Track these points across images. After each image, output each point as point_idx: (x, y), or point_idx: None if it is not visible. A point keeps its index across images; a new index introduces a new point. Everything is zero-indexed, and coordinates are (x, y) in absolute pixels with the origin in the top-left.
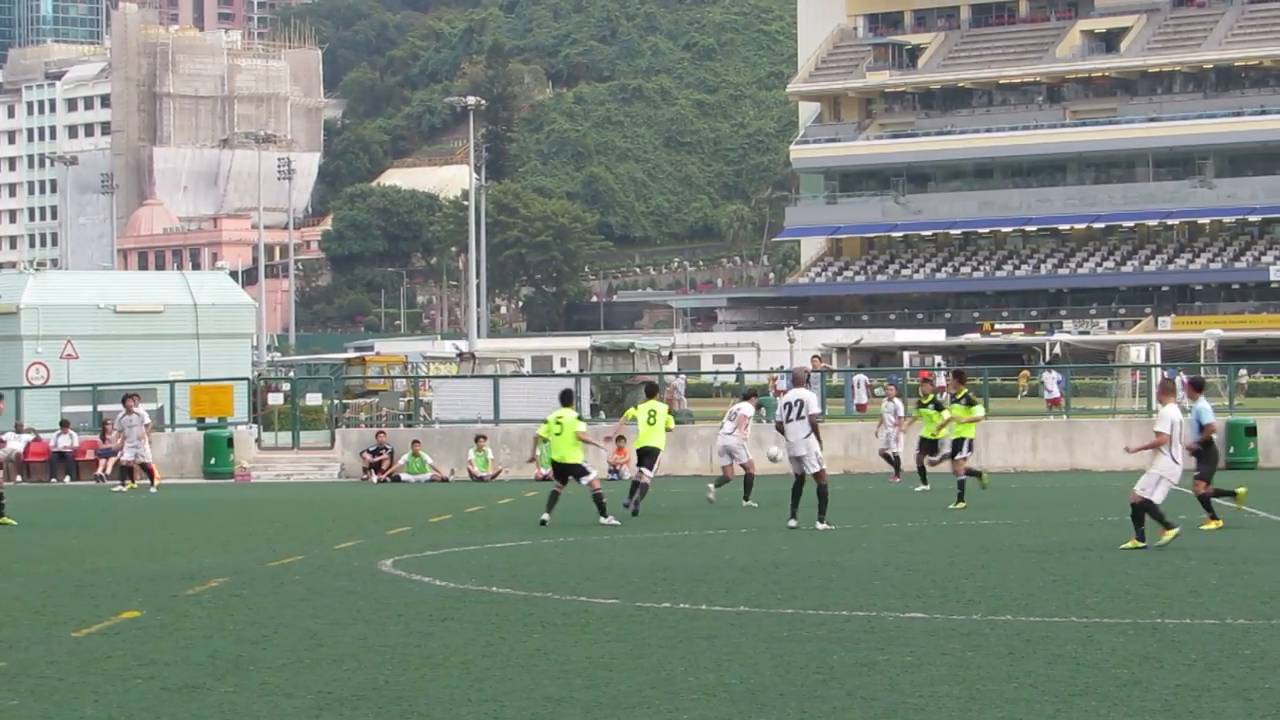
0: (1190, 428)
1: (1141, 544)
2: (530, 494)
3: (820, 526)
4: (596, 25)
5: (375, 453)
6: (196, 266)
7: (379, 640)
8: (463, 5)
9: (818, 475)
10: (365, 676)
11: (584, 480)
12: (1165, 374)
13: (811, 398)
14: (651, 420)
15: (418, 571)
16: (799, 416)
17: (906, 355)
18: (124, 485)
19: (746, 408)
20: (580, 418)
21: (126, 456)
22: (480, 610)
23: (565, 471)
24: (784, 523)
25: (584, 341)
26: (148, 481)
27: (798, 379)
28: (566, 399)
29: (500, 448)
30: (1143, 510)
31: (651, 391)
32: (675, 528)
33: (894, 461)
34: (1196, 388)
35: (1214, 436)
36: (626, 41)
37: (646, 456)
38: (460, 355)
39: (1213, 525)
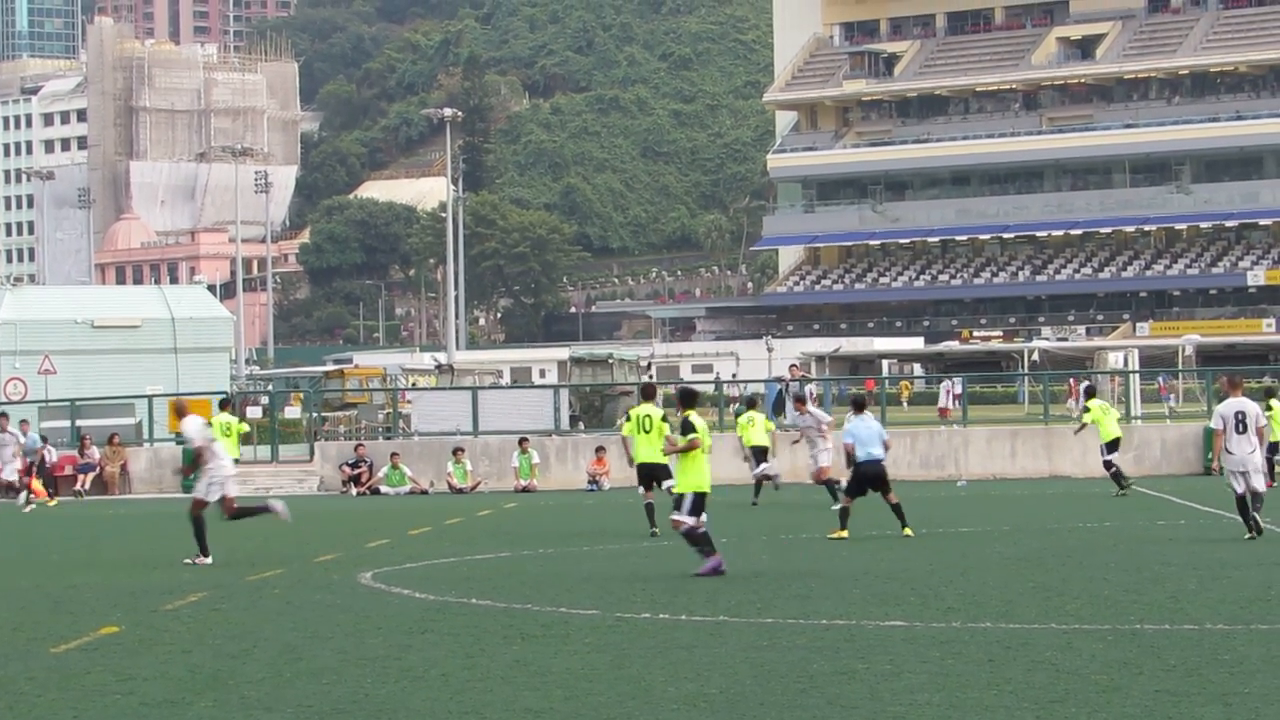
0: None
1: (1251, 534)
2: (509, 505)
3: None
4: (572, 36)
5: (354, 465)
6: (174, 281)
7: (359, 653)
8: (439, 17)
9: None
10: (345, 690)
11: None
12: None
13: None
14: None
15: (397, 584)
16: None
17: (885, 364)
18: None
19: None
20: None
21: (5, 476)
22: (460, 622)
23: None
24: (766, 533)
25: (563, 353)
26: (22, 500)
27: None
28: None
29: (479, 460)
30: (1243, 503)
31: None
32: (654, 538)
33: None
34: (857, 406)
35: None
36: (603, 52)
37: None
38: (439, 367)
39: (839, 534)
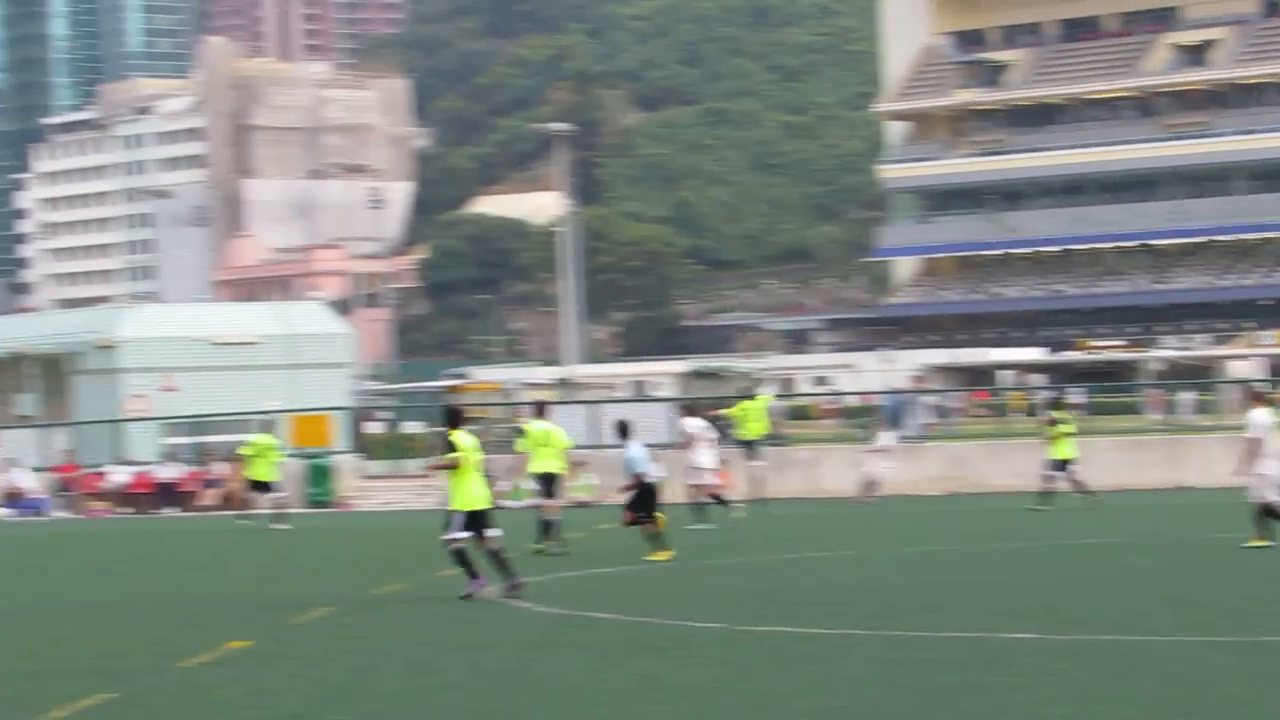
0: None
1: (1267, 543)
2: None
3: None
4: (680, 48)
5: None
6: (291, 298)
7: (485, 667)
8: (547, 32)
9: None
10: (472, 704)
11: None
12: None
13: None
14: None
15: (521, 598)
16: None
17: (1006, 374)
18: None
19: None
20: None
21: None
22: (584, 636)
23: None
24: (891, 545)
25: (679, 366)
26: None
27: None
28: None
29: (600, 474)
30: (1265, 512)
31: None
32: (778, 551)
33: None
34: (623, 433)
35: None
36: (711, 64)
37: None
38: (559, 382)
39: (662, 556)
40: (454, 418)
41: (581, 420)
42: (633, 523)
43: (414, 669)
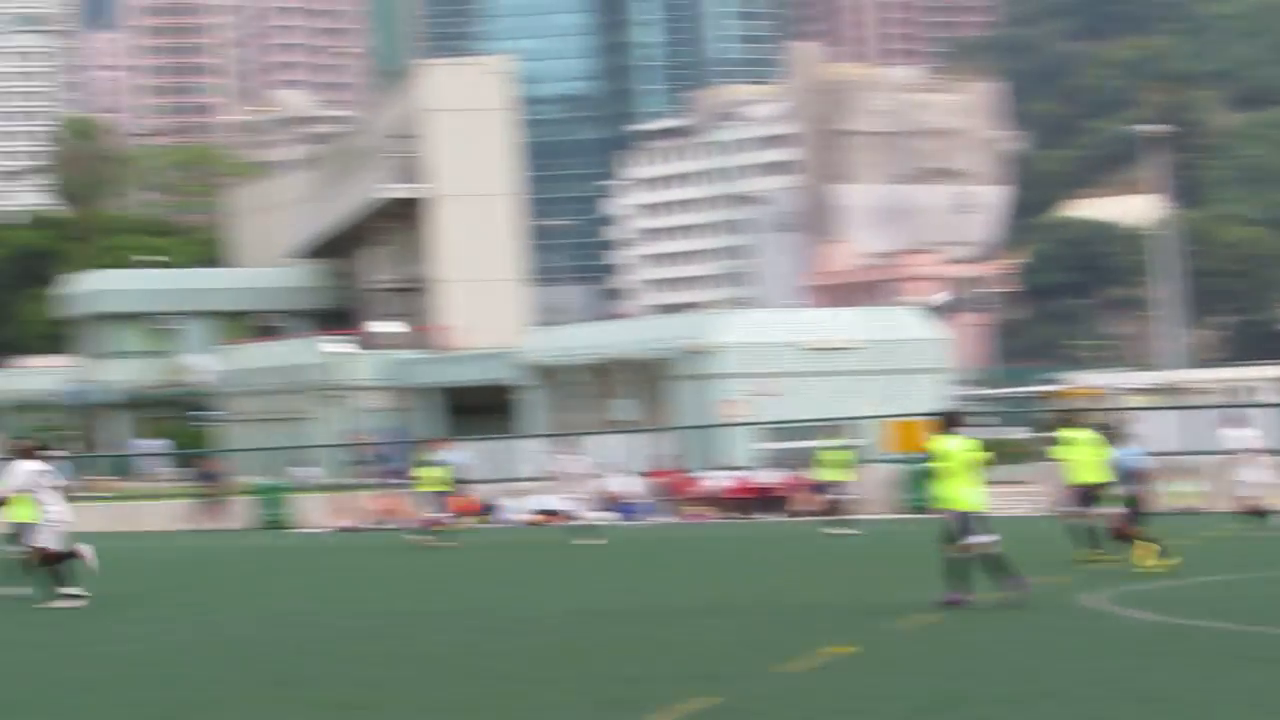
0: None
1: None
2: (1232, 526)
3: None
4: (1277, 48)
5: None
6: (885, 303)
7: (1092, 675)
8: (1138, 33)
9: None
10: (1081, 712)
11: None
12: None
13: None
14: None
15: (1126, 606)
16: None
17: None
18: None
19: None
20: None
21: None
22: (1194, 645)
23: None
24: None
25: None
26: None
27: None
28: None
29: (1204, 480)
30: None
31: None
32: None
33: None
34: (1117, 438)
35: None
36: None
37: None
38: (1161, 388)
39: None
40: (949, 421)
41: (1179, 426)
42: (1131, 536)
43: (1021, 676)
